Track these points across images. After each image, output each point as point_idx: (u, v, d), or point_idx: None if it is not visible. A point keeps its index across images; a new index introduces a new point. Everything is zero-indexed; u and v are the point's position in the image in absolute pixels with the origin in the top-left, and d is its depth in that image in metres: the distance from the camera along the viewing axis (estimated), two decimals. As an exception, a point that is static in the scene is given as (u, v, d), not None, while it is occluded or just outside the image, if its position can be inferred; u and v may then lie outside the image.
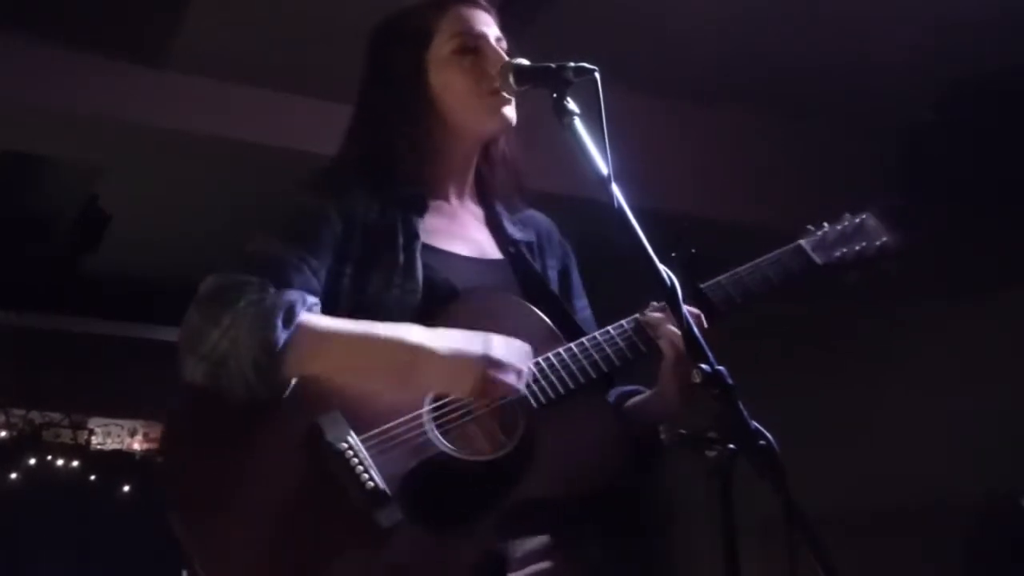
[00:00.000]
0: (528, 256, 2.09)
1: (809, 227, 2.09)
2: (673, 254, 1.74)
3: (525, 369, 1.80)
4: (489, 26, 2.06)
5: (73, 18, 4.23)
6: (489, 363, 1.76)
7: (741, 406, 1.49)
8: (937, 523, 5.06)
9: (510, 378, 1.78)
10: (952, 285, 5.00)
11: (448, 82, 2.03)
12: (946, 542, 5.06)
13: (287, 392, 1.77)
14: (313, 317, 1.79)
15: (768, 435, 1.48)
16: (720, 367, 1.52)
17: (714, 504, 1.51)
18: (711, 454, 1.52)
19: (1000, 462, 4.84)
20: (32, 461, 6.85)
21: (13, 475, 6.81)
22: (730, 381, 1.52)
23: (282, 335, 1.72)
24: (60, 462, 6.94)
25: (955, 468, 5.02)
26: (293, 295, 1.78)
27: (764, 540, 1.73)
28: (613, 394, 2.04)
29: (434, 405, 1.82)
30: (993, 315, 5.07)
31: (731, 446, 1.50)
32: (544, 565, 1.88)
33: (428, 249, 1.97)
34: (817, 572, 1.43)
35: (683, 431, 1.89)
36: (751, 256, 2.02)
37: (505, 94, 1.98)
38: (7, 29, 4.22)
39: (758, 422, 1.49)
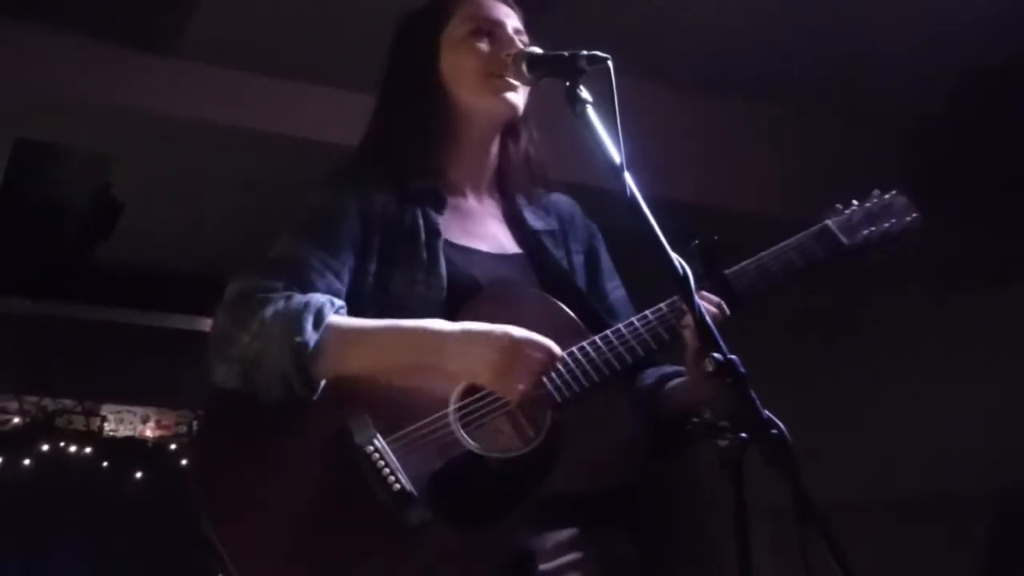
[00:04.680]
0: (549, 246, 2.09)
1: (837, 205, 2.05)
2: (696, 241, 1.73)
3: (548, 362, 1.79)
4: (508, 17, 2.07)
5: (85, 6, 4.23)
6: (508, 348, 1.76)
7: (753, 395, 1.49)
8: (953, 512, 5.05)
9: (529, 365, 1.77)
10: (972, 274, 4.99)
11: (455, 63, 2.04)
12: (962, 531, 5.06)
13: (316, 394, 1.78)
14: (341, 318, 1.81)
15: (780, 424, 1.48)
16: (733, 356, 1.52)
17: (726, 493, 1.51)
18: (723, 443, 1.53)
19: (1021, 450, 4.82)
20: (45, 447, 6.88)
21: (26, 461, 6.84)
22: (742, 370, 1.52)
23: (312, 337, 1.75)
24: (72, 448, 6.96)
25: (972, 457, 5.00)
26: (321, 298, 1.80)
27: (776, 529, 1.73)
28: (653, 375, 2.03)
29: (460, 404, 1.82)
30: (1012, 305, 5.06)
31: (743, 435, 1.50)
32: (575, 556, 1.88)
33: (448, 245, 1.98)
34: (829, 561, 1.43)
35: (695, 420, 1.89)
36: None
37: (512, 79, 1.98)
38: (19, 18, 4.23)
39: (770, 411, 1.49)
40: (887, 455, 5.38)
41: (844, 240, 2.00)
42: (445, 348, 1.79)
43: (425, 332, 1.80)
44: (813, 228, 2.02)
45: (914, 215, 2.05)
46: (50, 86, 4.36)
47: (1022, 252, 4.87)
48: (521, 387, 1.78)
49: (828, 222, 2.03)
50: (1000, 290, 5.05)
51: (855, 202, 2.06)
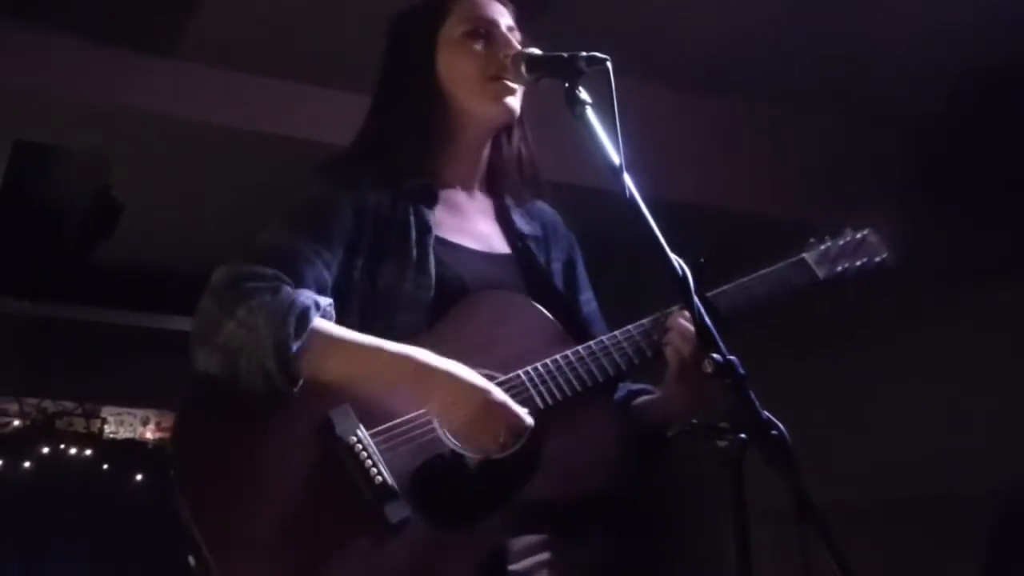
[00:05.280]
0: (534, 251, 2.09)
1: (811, 240, 2.11)
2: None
3: (524, 424, 1.80)
4: (503, 16, 2.07)
5: (85, 7, 4.23)
6: (483, 407, 1.77)
7: (752, 396, 1.50)
8: (953, 512, 5.06)
9: (498, 429, 1.78)
10: (968, 274, 4.98)
11: (453, 64, 2.03)
12: (962, 531, 5.06)
13: (296, 389, 1.77)
14: (326, 325, 1.79)
15: (780, 425, 1.48)
16: (732, 357, 1.53)
17: (727, 494, 1.51)
18: (722, 444, 1.53)
19: (1021, 450, 4.82)
20: (45, 450, 6.89)
21: (26, 464, 6.85)
22: (741, 371, 1.52)
23: (295, 343, 1.73)
24: (73, 451, 6.97)
25: (972, 457, 5.01)
26: (307, 299, 1.78)
27: (776, 529, 1.73)
28: (620, 391, 2.05)
29: None
30: (1012, 305, 5.06)
31: (742, 436, 1.51)
32: (545, 556, 1.90)
33: (438, 241, 1.97)
34: (828, 561, 1.43)
35: (695, 421, 1.90)
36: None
37: (510, 82, 1.99)
38: (19, 18, 4.23)
39: (770, 412, 1.49)
40: (887, 455, 5.38)
41: (819, 274, 2.06)
42: (424, 389, 1.79)
43: (408, 364, 1.79)
44: (791, 259, 2.07)
45: (884, 255, 2.12)
46: (50, 86, 4.37)
47: (1022, 252, 4.87)
48: (487, 449, 1.79)
49: (804, 255, 2.08)
50: (1000, 290, 5.04)
51: (827, 238, 2.12)
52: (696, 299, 1.60)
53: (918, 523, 5.19)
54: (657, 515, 6.20)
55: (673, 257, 1.61)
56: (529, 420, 1.80)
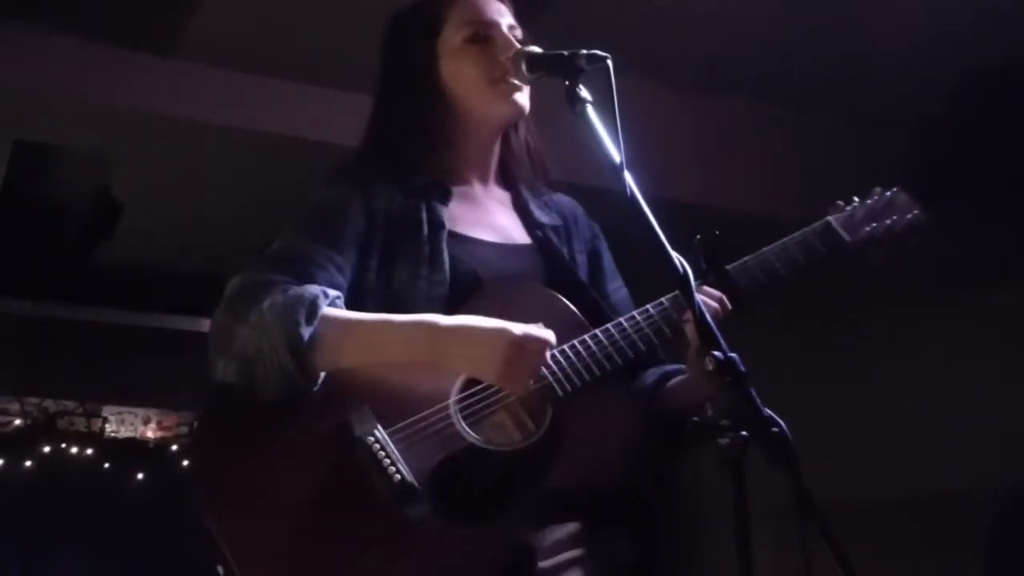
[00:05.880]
0: (555, 240, 2.08)
1: (839, 202, 2.04)
2: (698, 236, 1.73)
3: (547, 352, 1.78)
4: (502, 15, 2.07)
5: (85, 6, 4.23)
6: (512, 344, 1.75)
7: (754, 393, 1.49)
8: (953, 512, 5.05)
9: (534, 359, 1.76)
10: (968, 274, 4.98)
11: (458, 70, 2.03)
12: (962, 531, 5.05)
13: (316, 386, 1.78)
14: (336, 311, 1.80)
15: (781, 423, 1.48)
16: (733, 354, 1.52)
17: (727, 492, 1.51)
18: (723, 442, 1.52)
19: (1021, 450, 4.82)
20: (46, 449, 6.89)
21: (28, 463, 6.85)
22: (743, 368, 1.51)
23: (306, 331, 1.73)
24: (74, 450, 6.98)
25: (972, 457, 5.01)
26: (314, 289, 1.79)
27: (777, 528, 1.73)
28: (654, 374, 2.02)
29: (461, 396, 1.82)
30: (1012, 305, 5.06)
31: (744, 433, 1.50)
32: (575, 552, 1.88)
33: (453, 236, 1.97)
34: (829, 559, 1.43)
35: (696, 418, 1.89)
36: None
37: (516, 81, 1.98)
38: (19, 18, 4.23)
39: (771, 410, 1.49)
40: (887, 455, 5.37)
41: (846, 237, 2.00)
42: (446, 349, 1.78)
43: (423, 329, 1.79)
44: (816, 224, 2.01)
45: (915, 212, 2.04)
46: (50, 86, 4.36)
47: (1022, 252, 4.87)
48: (528, 383, 1.77)
49: (830, 218, 2.02)
50: (1000, 290, 5.04)
51: (856, 199, 2.05)
52: (696, 297, 1.60)
53: (918, 523, 5.19)
54: (657, 514, 6.19)
55: (674, 254, 1.61)
56: (552, 337, 1.78)
